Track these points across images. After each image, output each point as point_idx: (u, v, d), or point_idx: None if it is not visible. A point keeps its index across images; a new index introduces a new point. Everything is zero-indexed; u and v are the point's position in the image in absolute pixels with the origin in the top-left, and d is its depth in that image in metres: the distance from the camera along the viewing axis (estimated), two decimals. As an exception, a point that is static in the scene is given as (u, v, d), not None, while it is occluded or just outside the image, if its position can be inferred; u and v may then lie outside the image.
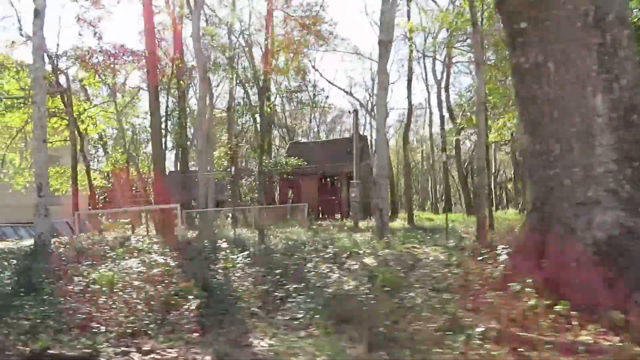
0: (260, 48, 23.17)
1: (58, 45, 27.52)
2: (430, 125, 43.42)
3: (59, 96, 19.61)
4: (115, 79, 21.38)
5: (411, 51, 26.02)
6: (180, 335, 5.09)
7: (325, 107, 48.78)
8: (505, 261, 5.74)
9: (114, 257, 8.83)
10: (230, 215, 19.41)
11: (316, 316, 5.38)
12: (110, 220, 20.48)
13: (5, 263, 9.03)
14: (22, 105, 15.80)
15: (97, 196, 21.95)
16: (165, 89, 23.89)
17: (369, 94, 46.57)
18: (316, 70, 34.41)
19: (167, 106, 23.80)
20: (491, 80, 18.86)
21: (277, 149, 38.14)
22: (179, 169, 32.85)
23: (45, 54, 18.22)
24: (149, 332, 5.21)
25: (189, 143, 26.41)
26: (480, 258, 6.81)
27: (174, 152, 30.15)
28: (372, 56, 41.10)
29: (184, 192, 24.02)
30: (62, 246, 9.93)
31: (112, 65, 20.49)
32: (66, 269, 7.62)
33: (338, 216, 30.62)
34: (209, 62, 20.80)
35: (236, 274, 7.18)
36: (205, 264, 7.66)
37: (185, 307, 5.71)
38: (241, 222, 20.46)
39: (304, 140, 45.01)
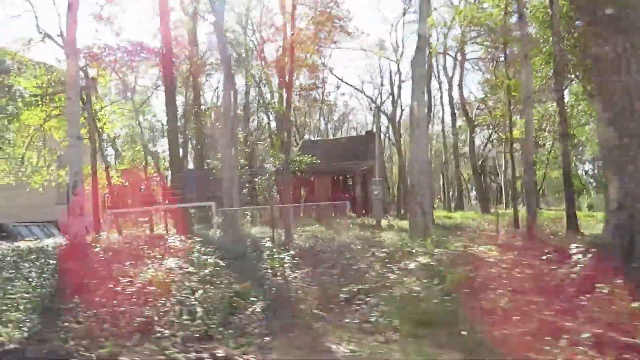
0: (281, 44, 22.84)
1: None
2: (443, 123, 43.15)
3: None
4: (132, 76, 21.13)
5: (431, 47, 25.59)
6: (250, 339, 4.82)
7: (332, 105, 48.48)
8: (582, 261, 5.44)
9: (150, 256, 8.56)
10: (254, 213, 19.12)
11: (390, 319, 5.10)
12: (127, 219, 20.23)
13: (39, 263, 8.78)
14: (40, 103, 15.51)
15: (115, 195, 21.70)
16: (181, 87, 23.67)
17: (379, 91, 46.21)
18: (326, 67, 33.90)
19: (186, 103, 23.55)
20: (515, 76, 18.51)
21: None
22: (191, 166, 32.65)
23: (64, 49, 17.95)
24: (217, 335, 4.94)
25: (206, 141, 26.28)
26: (544, 257, 6.52)
27: (183, 149, 29.92)
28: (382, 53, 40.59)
29: (201, 190, 23.80)
30: (96, 246, 9.67)
31: (129, 63, 20.24)
32: (110, 269, 7.35)
33: (353, 215, 30.27)
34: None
35: (289, 274, 6.91)
36: (254, 264, 7.39)
37: (249, 309, 5.43)
38: (267, 220, 20.18)
39: (313, 138, 44.76)
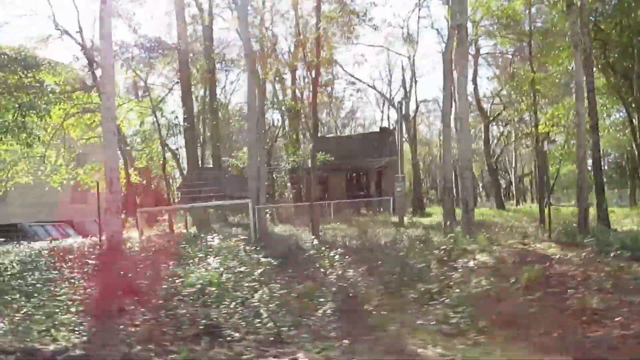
0: (305, 38, 22.45)
1: (93, 38, 27.30)
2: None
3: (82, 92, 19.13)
4: (144, 73, 20.85)
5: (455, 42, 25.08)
6: (329, 343, 4.56)
7: (348, 101, 48.03)
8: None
9: (192, 255, 8.33)
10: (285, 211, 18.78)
11: (470, 320, 4.84)
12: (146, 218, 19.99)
13: (77, 263, 8.57)
14: (61, 100, 15.24)
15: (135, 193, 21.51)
16: (197, 84, 23.45)
17: (390, 87, 45.76)
18: (338, 63, 33.46)
19: (204, 100, 23.30)
20: (541, 69, 18.17)
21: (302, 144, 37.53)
22: (202, 164, 32.36)
23: (81, 47, 17.75)
24: (290, 339, 4.68)
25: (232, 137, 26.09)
26: (612, 254, 6.24)
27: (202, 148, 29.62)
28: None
29: (218, 187, 23.54)
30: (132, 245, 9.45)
31: (145, 60, 19.98)
32: (158, 269, 7.12)
33: (369, 212, 29.99)
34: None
35: (344, 273, 6.65)
36: (304, 262, 7.14)
37: (319, 310, 5.17)
38: (293, 217, 19.95)
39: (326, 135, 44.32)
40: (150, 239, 12.07)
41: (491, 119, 31.17)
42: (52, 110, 12.45)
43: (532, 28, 18.54)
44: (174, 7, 23.14)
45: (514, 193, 55.47)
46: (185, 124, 21.10)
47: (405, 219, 21.20)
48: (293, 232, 15.07)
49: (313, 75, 14.06)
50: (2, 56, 10.09)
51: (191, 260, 7.98)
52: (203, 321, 5.09)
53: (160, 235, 15.66)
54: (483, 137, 35.06)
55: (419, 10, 32.22)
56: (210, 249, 8.78)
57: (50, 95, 11.45)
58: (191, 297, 5.69)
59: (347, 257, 7.36)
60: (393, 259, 7.18)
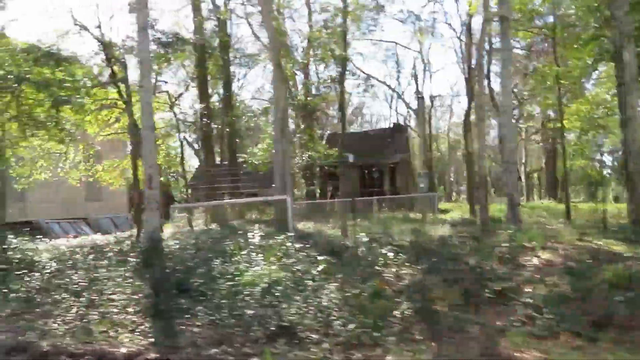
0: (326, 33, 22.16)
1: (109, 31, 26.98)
2: (469, 114, 42.13)
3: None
4: (167, 69, 20.58)
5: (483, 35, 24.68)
6: (416, 346, 4.32)
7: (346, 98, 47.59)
8: None
9: (235, 252, 8.08)
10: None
11: (558, 321, 4.59)
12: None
13: (115, 260, 8.33)
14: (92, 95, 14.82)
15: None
16: (213, 79, 23.19)
17: (398, 82, 45.43)
18: (350, 59, 33.09)
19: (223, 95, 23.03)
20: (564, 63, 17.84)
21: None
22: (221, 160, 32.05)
23: (100, 42, 17.47)
24: (375, 341, 4.44)
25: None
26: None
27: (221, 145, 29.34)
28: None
29: (235, 184, 23.30)
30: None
31: (164, 55, 19.70)
32: (208, 267, 6.89)
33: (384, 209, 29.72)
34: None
35: (404, 271, 6.40)
36: (358, 260, 6.88)
37: (396, 311, 4.93)
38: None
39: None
40: (175, 236, 11.82)
41: (484, 115, 30.61)
42: (87, 104, 12.17)
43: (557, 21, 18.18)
44: (189, 0, 22.90)
45: (524, 189, 55.09)
46: (201, 120, 20.86)
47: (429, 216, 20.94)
48: (318, 229, 14.81)
49: (340, 69, 13.69)
50: (36, 50, 9.87)
51: (235, 258, 7.75)
52: (274, 322, 4.87)
53: (185, 233, 15.41)
54: (497, 132, 34.60)
55: (434, 4, 31.78)
56: (252, 246, 8.54)
57: (83, 89, 11.19)
58: (254, 296, 5.44)
59: (400, 254, 7.10)
60: (449, 257, 6.93)
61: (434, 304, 5.20)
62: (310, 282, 5.75)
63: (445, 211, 26.76)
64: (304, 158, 26.54)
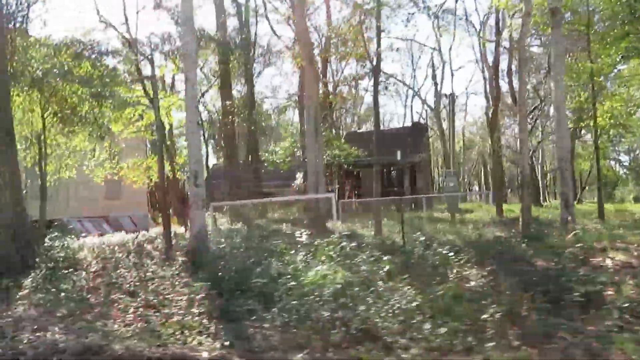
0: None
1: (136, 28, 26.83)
2: (496, 113, 41.58)
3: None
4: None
5: (506, 32, 24.21)
6: (516, 352, 4.04)
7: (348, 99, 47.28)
8: None
9: (285, 252, 7.84)
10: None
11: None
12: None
13: (159, 259, 8.13)
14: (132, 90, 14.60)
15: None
16: (236, 76, 23.04)
17: (414, 80, 45.00)
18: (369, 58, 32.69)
19: (246, 92, 22.92)
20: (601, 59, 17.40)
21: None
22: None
23: (125, 40, 17.32)
24: (469, 346, 4.16)
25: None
26: None
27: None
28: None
29: (257, 183, 23.15)
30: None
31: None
32: (264, 268, 6.65)
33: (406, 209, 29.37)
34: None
35: (468, 272, 6.12)
36: (418, 260, 6.62)
37: (483, 314, 4.65)
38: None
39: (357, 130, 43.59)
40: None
41: (527, 112, 30.11)
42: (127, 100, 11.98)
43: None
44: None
45: (541, 189, 54.47)
46: (223, 118, 20.67)
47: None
48: (349, 228, 14.54)
49: (374, 64, 13.41)
50: (77, 44, 9.72)
51: (287, 257, 7.51)
52: (354, 325, 4.61)
53: (213, 232, 15.21)
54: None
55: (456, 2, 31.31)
56: (299, 245, 8.30)
57: (123, 84, 11.04)
58: (324, 298, 5.18)
59: (461, 255, 6.82)
60: (515, 258, 6.64)
61: (513, 307, 4.90)
62: (380, 283, 5.49)
63: (467, 211, 26.35)
64: (324, 157, 26.33)
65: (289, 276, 6.15)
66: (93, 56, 9.84)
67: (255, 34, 24.00)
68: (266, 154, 24.95)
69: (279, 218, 20.52)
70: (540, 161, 55.08)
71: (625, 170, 65.64)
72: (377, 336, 4.44)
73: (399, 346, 4.26)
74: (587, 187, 56.91)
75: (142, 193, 30.06)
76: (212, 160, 35.48)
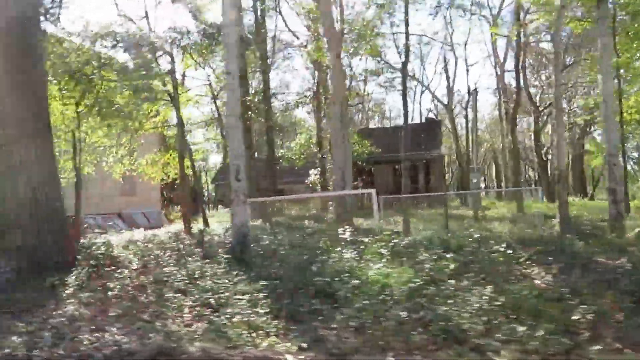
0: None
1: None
2: (516, 110, 41.25)
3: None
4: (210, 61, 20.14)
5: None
6: (623, 355, 3.81)
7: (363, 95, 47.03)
8: None
9: (331, 250, 7.63)
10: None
11: None
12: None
13: (199, 256, 7.92)
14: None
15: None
16: (252, 72, 22.81)
17: (424, 75, 44.59)
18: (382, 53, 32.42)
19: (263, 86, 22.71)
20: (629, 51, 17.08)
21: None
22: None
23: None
24: (569, 350, 3.93)
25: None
26: None
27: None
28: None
29: (273, 178, 22.94)
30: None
31: (206, 47, 19.29)
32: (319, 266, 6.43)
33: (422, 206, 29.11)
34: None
35: (535, 271, 5.89)
36: (480, 258, 6.38)
37: (575, 314, 4.42)
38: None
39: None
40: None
41: (541, 109, 29.93)
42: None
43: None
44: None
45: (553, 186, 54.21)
46: (245, 112, 20.37)
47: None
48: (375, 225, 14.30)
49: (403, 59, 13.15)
50: (113, 35, 9.50)
51: (334, 255, 7.29)
52: (436, 326, 4.38)
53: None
54: (533, 128, 33.86)
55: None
56: (348, 243, 8.09)
57: (158, 77, 10.84)
58: (395, 297, 4.96)
59: (518, 253, 6.59)
60: (577, 255, 6.40)
61: (607, 307, 4.66)
62: (452, 282, 5.26)
63: (487, 208, 26.06)
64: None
65: (346, 275, 5.94)
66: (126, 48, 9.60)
67: (275, 26, 23.70)
68: (282, 150, 24.72)
69: (299, 215, 20.38)
70: (550, 158, 54.90)
71: (635, 167, 65.28)
72: (461, 338, 4.22)
73: (489, 349, 4.03)
74: (598, 184, 56.59)
75: (155, 190, 29.95)
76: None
